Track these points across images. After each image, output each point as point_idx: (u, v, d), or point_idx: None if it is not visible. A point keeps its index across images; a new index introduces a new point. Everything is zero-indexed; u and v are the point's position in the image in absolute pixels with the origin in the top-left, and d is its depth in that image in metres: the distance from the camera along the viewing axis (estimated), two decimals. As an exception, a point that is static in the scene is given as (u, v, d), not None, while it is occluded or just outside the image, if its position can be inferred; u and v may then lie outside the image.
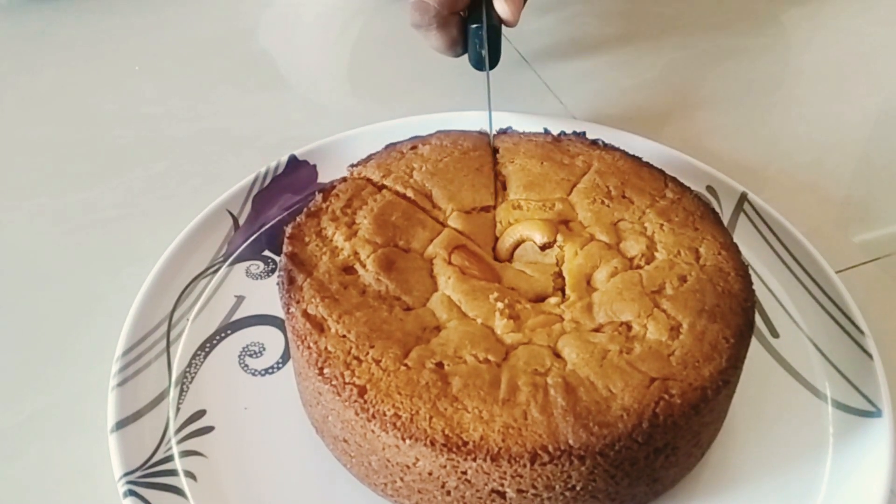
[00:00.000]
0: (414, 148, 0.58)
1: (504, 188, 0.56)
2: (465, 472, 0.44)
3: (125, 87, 0.78)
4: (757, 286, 0.54)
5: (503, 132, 0.60)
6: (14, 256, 0.63)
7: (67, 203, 0.67)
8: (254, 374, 0.55)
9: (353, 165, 0.58)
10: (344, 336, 0.46)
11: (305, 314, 0.47)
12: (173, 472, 0.49)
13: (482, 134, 0.60)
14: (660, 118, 0.76)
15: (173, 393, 0.53)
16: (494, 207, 0.56)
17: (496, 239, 0.54)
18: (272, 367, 0.55)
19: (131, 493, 0.47)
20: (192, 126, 0.74)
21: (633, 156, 0.59)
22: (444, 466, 0.44)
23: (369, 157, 0.58)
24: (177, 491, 0.48)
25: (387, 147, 0.59)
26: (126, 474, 0.48)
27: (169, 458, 0.50)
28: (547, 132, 0.61)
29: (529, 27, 0.86)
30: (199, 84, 0.78)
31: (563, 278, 0.51)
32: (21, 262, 0.63)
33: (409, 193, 0.55)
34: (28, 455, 0.52)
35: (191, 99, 0.76)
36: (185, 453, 0.50)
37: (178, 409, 0.52)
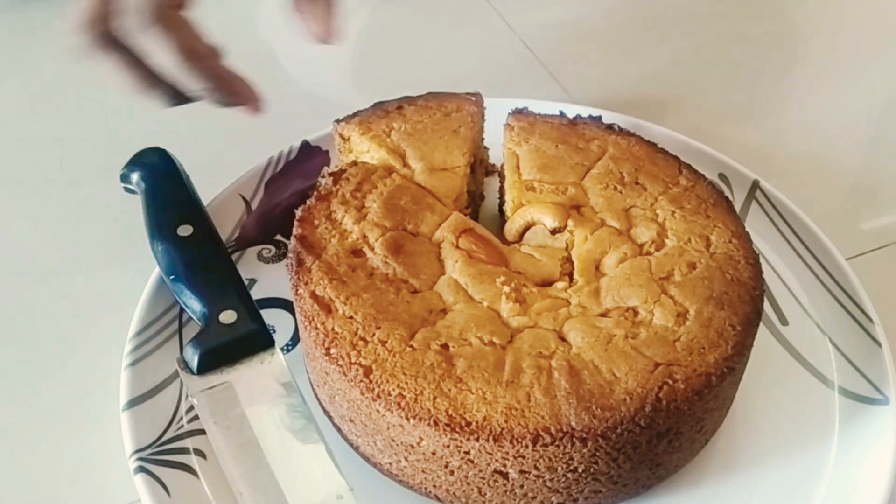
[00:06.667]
0: (400, 108, 0.60)
1: (517, 167, 0.57)
2: (468, 452, 0.44)
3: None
4: (767, 274, 0.54)
5: (519, 111, 0.61)
6: (19, 253, 0.64)
7: (72, 199, 0.67)
8: (264, 356, 0.55)
9: (338, 121, 0.59)
10: (351, 317, 0.47)
11: (313, 295, 0.48)
12: (184, 451, 0.50)
13: (470, 95, 0.61)
14: (665, 106, 0.76)
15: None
16: (469, 166, 0.57)
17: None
18: (282, 349, 0.55)
19: (142, 469, 0.48)
20: (195, 121, 0.74)
21: (648, 141, 0.59)
22: (448, 446, 0.44)
23: (355, 114, 0.60)
24: (187, 468, 0.49)
25: (374, 105, 0.60)
26: (137, 451, 0.48)
27: (179, 437, 0.50)
28: (562, 115, 0.61)
29: (533, 16, 0.85)
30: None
31: (572, 263, 0.52)
32: (26, 259, 0.64)
33: (384, 152, 0.56)
34: (40, 447, 0.53)
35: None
36: (196, 432, 0.51)
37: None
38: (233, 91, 0.53)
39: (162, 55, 0.50)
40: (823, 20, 0.89)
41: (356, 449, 0.50)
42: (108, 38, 0.51)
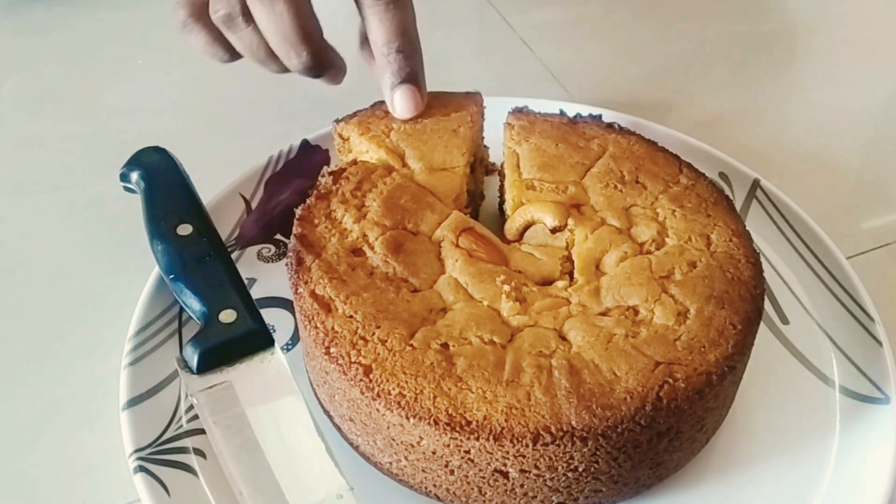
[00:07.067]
0: None
1: (517, 166, 0.57)
2: (468, 452, 0.44)
3: (129, 81, 0.78)
4: (768, 273, 0.54)
5: (519, 110, 0.61)
6: (19, 252, 0.64)
7: (72, 198, 0.67)
8: (264, 356, 0.55)
9: (337, 120, 0.59)
10: (351, 316, 0.47)
11: (313, 294, 0.48)
12: (184, 450, 0.50)
13: (470, 94, 0.61)
14: (666, 105, 0.76)
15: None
16: (469, 165, 0.57)
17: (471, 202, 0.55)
18: (282, 349, 0.55)
19: (142, 469, 0.48)
20: (196, 119, 0.74)
21: (648, 140, 0.59)
22: (448, 446, 0.44)
23: (354, 114, 0.60)
24: (186, 468, 0.49)
25: (373, 105, 0.60)
26: (136, 451, 0.48)
27: (179, 436, 0.50)
28: (562, 114, 0.61)
29: (533, 15, 0.85)
30: (203, 77, 0.78)
31: (572, 262, 0.52)
32: (26, 258, 0.63)
33: (383, 152, 0.56)
34: (41, 447, 0.53)
35: (194, 92, 0.76)
36: (195, 431, 0.51)
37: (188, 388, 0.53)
38: (327, 62, 0.54)
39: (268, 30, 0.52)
40: (824, 19, 0.89)
41: (356, 448, 0.50)
42: (203, 13, 0.54)
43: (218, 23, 0.54)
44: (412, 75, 0.56)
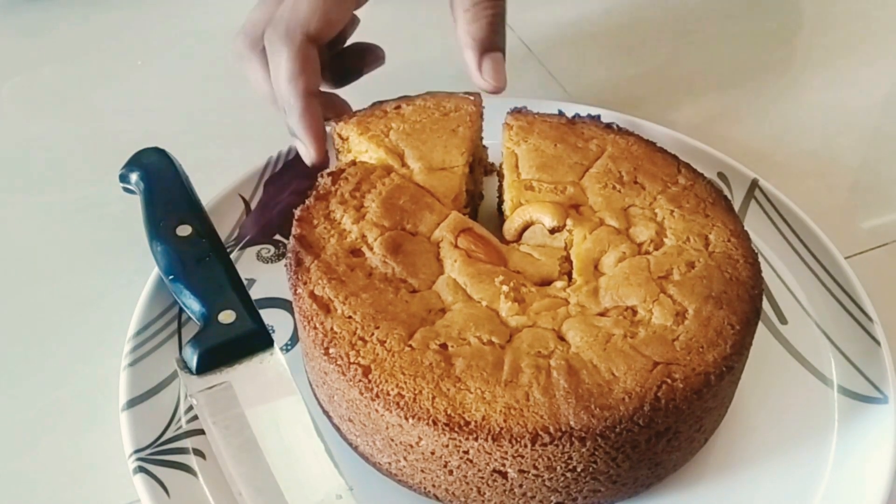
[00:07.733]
0: (398, 108, 0.60)
1: (516, 166, 0.57)
2: (467, 452, 0.44)
3: (128, 81, 0.78)
4: (766, 273, 0.54)
5: (517, 110, 0.61)
6: (19, 252, 0.64)
7: (71, 199, 0.67)
8: (263, 356, 0.55)
9: (336, 120, 0.60)
10: (350, 317, 0.47)
11: (312, 295, 0.48)
12: (183, 451, 0.50)
13: (468, 94, 0.61)
14: (665, 105, 0.76)
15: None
16: (468, 165, 0.57)
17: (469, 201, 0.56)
18: (281, 349, 0.55)
19: (141, 469, 0.48)
20: (195, 120, 0.74)
21: (647, 140, 0.59)
22: (447, 446, 0.44)
23: (354, 114, 0.60)
24: (186, 468, 0.49)
25: (372, 105, 0.61)
26: (136, 451, 0.48)
27: (179, 437, 0.50)
28: (561, 114, 0.61)
29: (533, 15, 0.85)
30: (202, 77, 0.78)
31: (571, 262, 0.52)
32: (26, 258, 0.64)
33: (382, 152, 0.57)
34: (41, 447, 0.53)
35: (193, 92, 0.76)
36: (195, 432, 0.51)
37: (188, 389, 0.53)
38: (300, 131, 0.57)
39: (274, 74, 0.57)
40: (823, 18, 0.89)
41: (355, 448, 0.50)
42: (258, 45, 0.59)
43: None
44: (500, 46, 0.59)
